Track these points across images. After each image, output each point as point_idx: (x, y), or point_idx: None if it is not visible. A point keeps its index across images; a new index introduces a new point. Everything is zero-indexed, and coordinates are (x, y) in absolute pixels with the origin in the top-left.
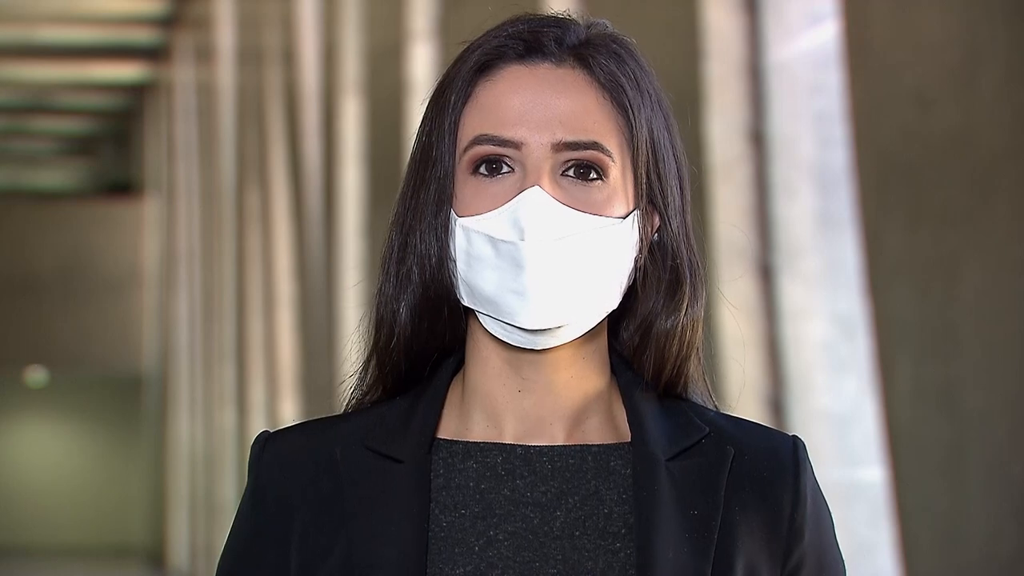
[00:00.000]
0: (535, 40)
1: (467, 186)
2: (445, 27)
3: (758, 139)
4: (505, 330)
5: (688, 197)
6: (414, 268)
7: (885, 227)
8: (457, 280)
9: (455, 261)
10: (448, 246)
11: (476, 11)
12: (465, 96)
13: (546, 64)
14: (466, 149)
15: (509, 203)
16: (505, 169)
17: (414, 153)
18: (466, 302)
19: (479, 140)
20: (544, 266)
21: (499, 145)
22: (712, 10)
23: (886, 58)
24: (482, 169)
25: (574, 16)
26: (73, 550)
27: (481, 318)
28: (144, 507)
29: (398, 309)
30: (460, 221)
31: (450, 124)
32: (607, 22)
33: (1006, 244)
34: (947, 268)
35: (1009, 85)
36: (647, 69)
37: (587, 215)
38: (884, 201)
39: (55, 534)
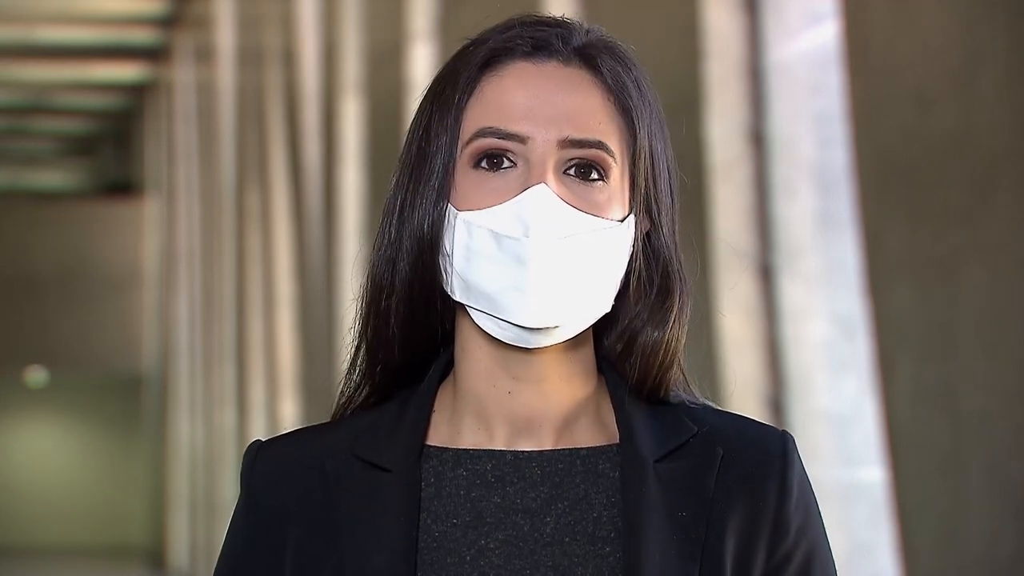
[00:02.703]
0: (542, 38)
1: (467, 179)
2: (445, 27)
3: (758, 139)
4: (499, 326)
5: (678, 207)
6: (406, 259)
7: (885, 227)
8: (450, 275)
9: (450, 256)
10: (442, 239)
11: (476, 11)
12: (469, 91)
13: (553, 62)
14: (469, 142)
15: (515, 199)
16: (507, 164)
17: (409, 145)
18: (458, 297)
19: (483, 133)
20: (546, 264)
21: (503, 139)
22: (712, 10)
23: (886, 58)
24: (483, 163)
25: (572, 19)
26: (73, 550)
27: (474, 314)
28: (144, 507)
29: (390, 299)
30: (462, 215)
31: (453, 118)
32: (602, 29)
33: (1006, 244)
34: (947, 268)
35: (1009, 85)
36: (647, 77)
37: (589, 216)
38: (884, 201)
39: (55, 534)
